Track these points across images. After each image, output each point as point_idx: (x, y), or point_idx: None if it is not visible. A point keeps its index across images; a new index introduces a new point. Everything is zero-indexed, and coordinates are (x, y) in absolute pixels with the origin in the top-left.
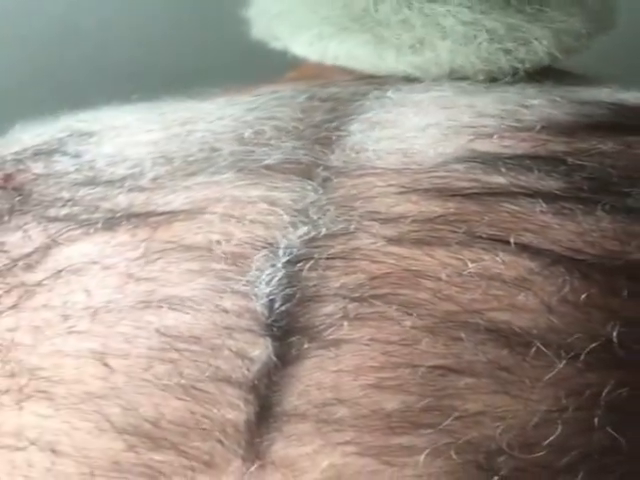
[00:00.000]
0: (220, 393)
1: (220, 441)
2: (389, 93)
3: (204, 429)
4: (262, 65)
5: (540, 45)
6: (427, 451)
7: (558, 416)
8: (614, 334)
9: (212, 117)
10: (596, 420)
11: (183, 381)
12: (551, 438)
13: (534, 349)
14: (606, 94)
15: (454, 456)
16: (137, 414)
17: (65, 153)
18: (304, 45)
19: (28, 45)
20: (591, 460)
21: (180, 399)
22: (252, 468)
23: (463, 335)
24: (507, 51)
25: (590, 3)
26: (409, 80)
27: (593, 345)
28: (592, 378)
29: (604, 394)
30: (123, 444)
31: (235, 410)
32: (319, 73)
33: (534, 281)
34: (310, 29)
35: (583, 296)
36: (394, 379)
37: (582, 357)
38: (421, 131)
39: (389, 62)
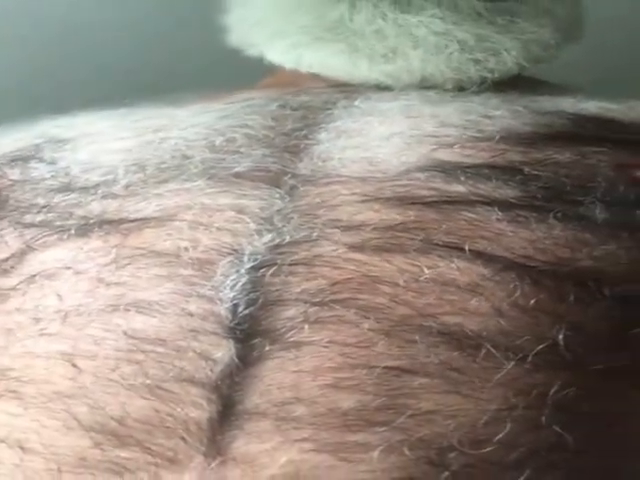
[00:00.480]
0: (184, 393)
1: (183, 438)
2: (357, 102)
3: (168, 427)
4: (238, 71)
5: (509, 56)
6: (381, 448)
7: (507, 414)
8: (560, 337)
9: (185, 124)
10: (543, 418)
11: (148, 381)
12: (500, 435)
13: (484, 351)
14: (569, 104)
15: (407, 452)
16: (104, 413)
17: (41, 160)
18: (280, 53)
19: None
20: (538, 457)
21: (145, 398)
22: (213, 464)
23: (417, 338)
24: (477, 61)
25: (560, 14)
26: (380, 88)
27: (540, 347)
28: (539, 378)
29: (551, 394)
30: (90, 441)
31: (198, 409)
32: (294, 80)
33: (486, 286)
34: (286, 38)
35: (532, 301)
36: (351, 379)
37: (530, 359)
38: (385, 140)
39: (362, 71)
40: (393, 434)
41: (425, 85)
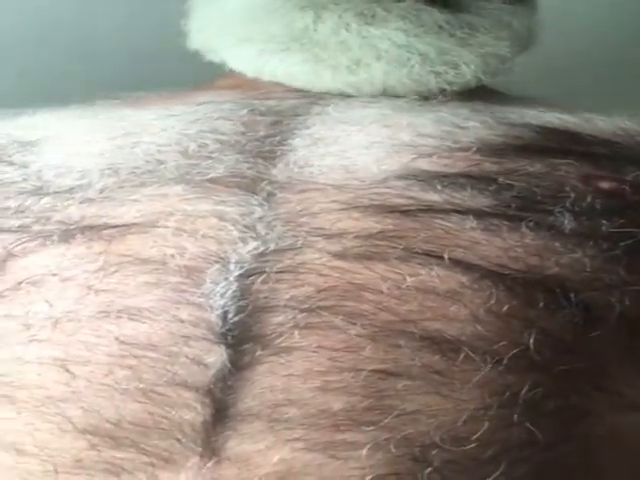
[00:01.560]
0: (178, 396)
1: (178, 440)
2: (330, 109)
3: (163, 429)
4: (184, 71)
5: (468, 69)
6: (369, 446)
7: (484, 414)
8: (531, 341)
9: (155, 129)
10: (515, 417)
11: (142, 385)
12: (478, 433)
13: (463, 355)
14: (533, 116)
15: (393, 450)
16: (98, 416)
17: (10, 163)
18: (242, 61)
19: None
20: (512, 452)
21: (139, 402)
22: (209, 464)
23: (401, 342)
24: (437, 73)
25: (517, 26)
26: (344, 96)
27: (514, 351)
28: (512, 380)
29: (522, 394)
30: (85, 443)
31: (192, 412)
32: (252, 83)
33: (464, 294)
34: (251, 46)
35: (506, 307)
36: (339, 382)
37: (505, 362)
38: (365, 149)
39: (325, 81)
40: (380, 433)
41: (387, 95)
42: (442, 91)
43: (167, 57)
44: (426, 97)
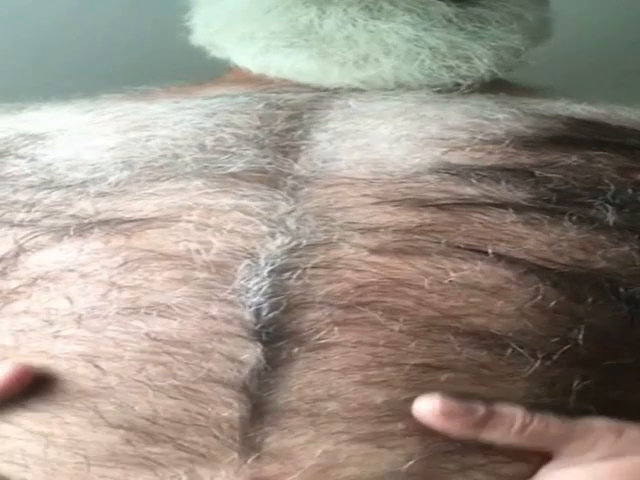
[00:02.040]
0: (213, 393)
1: (216, 436)
2: (351, 102)
3: (199, 425)
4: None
5: (481, 62)
6: (413, 434)
7: (533, 402)
8: (580, 337)
9: (169, 122)
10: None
11: (176, 382)
12: None
13: (510, 350)
14: (560, 108)
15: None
16: (132, 411)
17: (19, 156)
18: (248, 57)
19: None
20: None
21: (174, 398)
22: (249, 460)
23: (444, 337)
24: (449, 68)
25: (529, 18)
26: (357, 90)
27: (564, 348)
28: (560, 373)
29: (574, 385)
30: (119, 438)
31: (229, 408)
32: (261, 77)
33: (510, 289)
34: (255, 43)
35: (553, 303)
36: (380, 376)
37: (554, 357)
38: (392, 142)
39: (333, 77)
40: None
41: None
42: (457, 86)
43: (167, 53)
44: (442, 91)
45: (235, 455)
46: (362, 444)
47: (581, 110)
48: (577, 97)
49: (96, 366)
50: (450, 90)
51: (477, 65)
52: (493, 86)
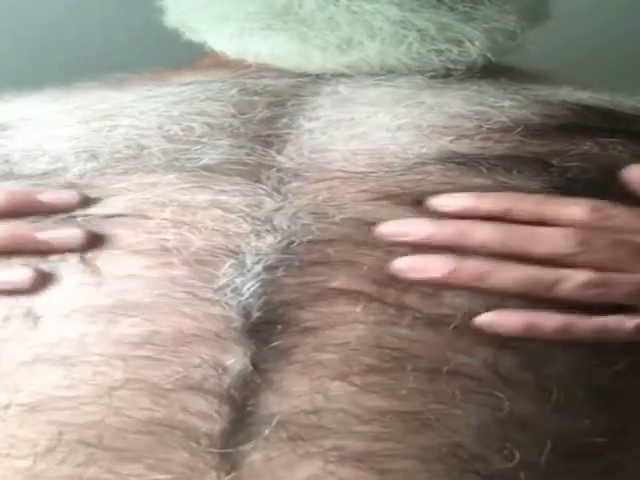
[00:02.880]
0: (191, 402)
1: (192, 452)
2: (341, 88)
3: (173, 441)
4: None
5: (473, 46)
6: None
7: None
8: None
9: (134, 111)
10: None
11: (147, 390)
12: None
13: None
14: (564, 94)
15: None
16: (97, 426)
17: None
18: (224, 40)
19: None
20: None
21: (146, 409)
22: (227, 479)
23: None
24: (439, 52)
25: None
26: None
27: None
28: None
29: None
30: (82, 457)
31: (208, 420)
32: (239, 62)
33: None
34: (231, 25)
35: None
36: (380, 384)
37: None
38: (390, 131)
39: (315, 62)
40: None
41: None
42: (448, 70)
43: (145, 37)
44: (433, 77)
45: (212, 475)
46: (354, 466)
47: (585, 96)
48: (577, 83)
49: (53, 372)
50: (445, 75)
51: (469, 49)
52: (491, 70)
